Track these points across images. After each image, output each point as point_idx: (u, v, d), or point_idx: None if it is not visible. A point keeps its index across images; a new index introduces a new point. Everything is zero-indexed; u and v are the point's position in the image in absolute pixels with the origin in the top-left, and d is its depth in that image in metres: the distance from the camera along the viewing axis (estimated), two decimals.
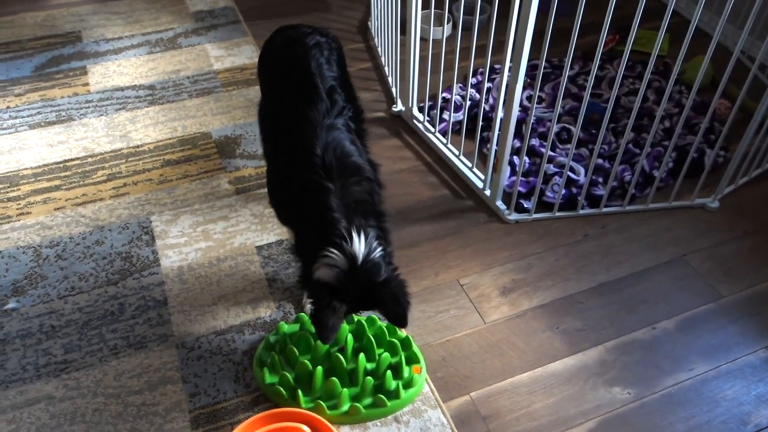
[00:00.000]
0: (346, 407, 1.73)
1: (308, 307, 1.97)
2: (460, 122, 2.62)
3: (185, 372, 1.83)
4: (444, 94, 2.75)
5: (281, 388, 1.74)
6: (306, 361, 1.77)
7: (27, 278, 2.08)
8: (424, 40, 2.55)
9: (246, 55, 3.11)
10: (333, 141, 1.66)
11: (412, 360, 1.85)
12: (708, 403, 1.81)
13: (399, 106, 2.79)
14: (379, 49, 3.09)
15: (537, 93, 2.02)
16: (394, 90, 2.84)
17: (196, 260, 2.14)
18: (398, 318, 1.56)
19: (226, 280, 2.08)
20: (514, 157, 2.47)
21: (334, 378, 1.74)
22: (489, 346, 1.94)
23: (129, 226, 2.25)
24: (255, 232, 2.23)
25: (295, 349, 1.81)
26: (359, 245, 1.53)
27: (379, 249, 1.56)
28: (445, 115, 2.67)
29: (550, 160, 2.48)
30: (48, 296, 2.03)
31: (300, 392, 1.74)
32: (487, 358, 1.92)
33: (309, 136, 1.66)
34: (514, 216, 2.32)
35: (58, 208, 2.32)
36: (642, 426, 1.76)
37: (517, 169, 2.38)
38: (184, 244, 2.19)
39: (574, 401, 1.81)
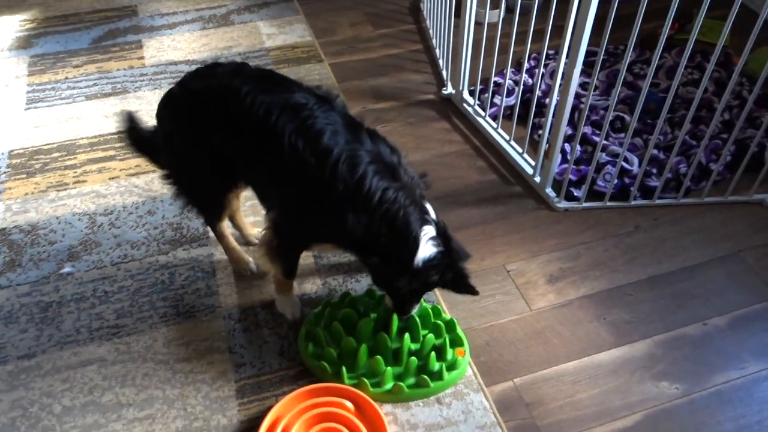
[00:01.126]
0: (389, 385, 1.74)
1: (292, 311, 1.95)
2: (511, 107, 2.59)
3: (232, 343, 1.86)
4: (496, 79, 2.71)
5: (325, 364, 1.76)
6: (351, 339, 1.78)
7: (82, 244, 2.13)
8: (478, 23, 2.51)
9: (297, 33, 3.12)
10: (375, 143, 1.61)
11: (455, 343, 1.85)
12: (759, 404, 1.76)
13: (449, 89, 2.76)
14: (431, 31, 3.06)
15: (594, 80, 1.98)
16: (444, 73, 2.81)
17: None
18: (470, 288, 1.63)
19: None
20: (566, 144, 2.42)
21: (378, 356, 1.74)
22: (534, 334, 1.93)
23: None
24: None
25: (340, 326, 1.82)
26: (433, 212, 1.63)
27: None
28: (497, 100, 2.64)
29: (603, 148, 2.43)
30: (102, 262, 2.08)
31: (344, 368, 1.75)
32: (532, 345, 1.90)
33: (355, 152, 1.56)
34: (563, 204, 2.28)
35: (112, 178, 2.37)
36: (689, 423, 1.72)
37: (569, 156, 2.34)
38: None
39: (620, 393, 1.78)
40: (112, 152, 2.47)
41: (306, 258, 2.10)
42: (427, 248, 1.57)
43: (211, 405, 1.72)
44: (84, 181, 2.36)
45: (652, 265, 2.12)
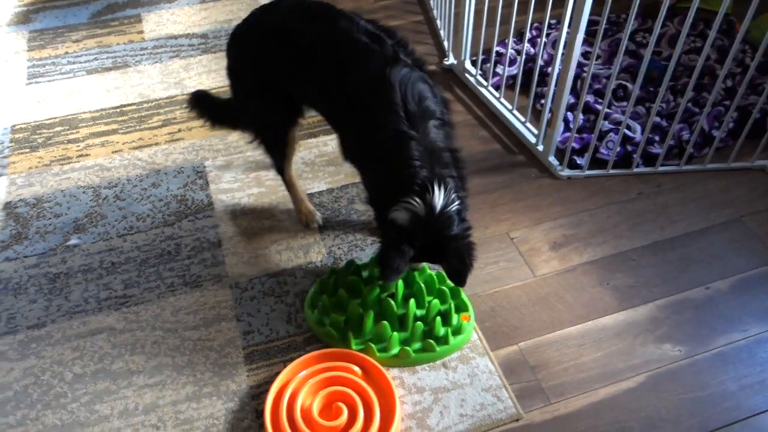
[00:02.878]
0: (395, 350, 1.76)
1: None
2: (513, 77, 2.58)
3: (239, 311, 1.88)
4: (498, 48, 2.70)
5: (332, 330, 1.78)
6: (357, 304, 1.79)
7: (87, 217, 2.14)
8: None
9: None
10: (407, 81, 1.59)
11: (460, 308, 1.86)
12: (762, 364, 1.78)
13: (451, 60, 2.75)
14: (432, 1, 3.04)
15: (596, 49, 1.97)
16: (446, 43, 2.80)
17: (249, 205, 2.18)
18: (459, 276, 1.58)
19: (278, 225, 2.12)
20: (569, 113, 2.42)
21: (384, 321, 1.76)
22: (538, 299, 1.94)
23: (184, 170, 2.30)
24: (306, 180, 2.25)
25: (346, 293, 1.84)
26: (439, 197, 1.51)
27: (457, 203, 1.55)
28: (499, 69, 2.63)
29: (606, 117, 2.43)
30: (108, 234, 2.09)
31: (351, 334, 1.77)
32: (536, 310, 1.92)
33: (382, 82, 1.58)
34: (566, 172, 2.29)
35: (115, 151, 2.37)
36: (692, 383, 1.75)
37: (571, 125, 2.34)
38: (237, 189, 2.23)
39: (624, 356, 1.81)
40: (114, 126, 2.47)
41: (312, 231, 2.11)
42: (400, 213, 1.53)
43: (220, 371, 1.74)
44: (87, 155, 2.36)
45: (655, 231, 2.13)
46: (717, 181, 2.28)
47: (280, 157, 2.00)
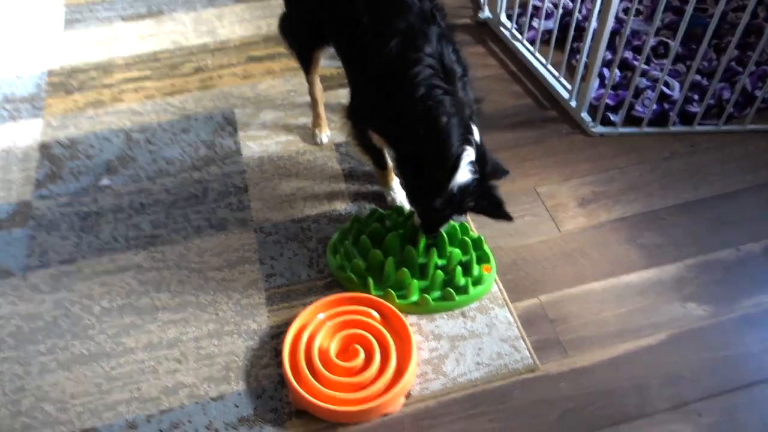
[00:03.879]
0: (415, 297, 1.77)
1: (392, 198, 2.01)
2: (549, 31, 2.52)
3: (262, 254, 1.91)
4: (534, 2, 2.63)
5: (353, 275, 1.79)
6: (378, 251, 1.80)
7: (119, 159, 2.19)
8: None
9: None
10: (440, 46, 1.58)
11: (482, 260, 1.86)
12: None
13: (486, 13, 2.69)
14: None
15: (635, 4, 1.91)
16: None
17: (276, 152, 2.19)
18: (502, 210, 1.61)
19: (304, 173, 2.13)
20: (604, 69, 2.35)
21: (405, 269, 1.77)
22: (562, 254, 1.92)
23: (213, 116, 2.31)
24: (334, 130, 2.24)
25: (368, 240, 1.84)
26: (479, 137, 1.60)
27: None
28: (534, 23, 2.56)
29: (644, 74, 2.35)
30: (138, 176, 2.13)
31: (371, 280, 1.78)
32: (559, 265, 1.90)
33: (417, 42, 1.57)
34: (599, 129, 2.24)
35: (148, 97, 2.40)
36: (715, 343, 1.71)
37: (606, 81, 2.28)
38: (265, 136, 2.24)
39: (646, 313, 1.78)
40: (147, 72, 2.50)
41: (336, 177, 2.11)
42: (464, 173, 1.55)
43: (241, 311, 1.78)
44: (121, 100, 2.39)
45: (688, 190, 2.07)
46: (757, 142, 2.20)
47: (306, 67, 2.11)
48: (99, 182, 2.12)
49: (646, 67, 2.38)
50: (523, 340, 1.71)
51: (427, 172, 1.59)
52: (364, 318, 1.70)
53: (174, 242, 1.94)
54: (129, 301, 1.81)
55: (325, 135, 2.21)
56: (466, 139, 1.56)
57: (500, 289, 1.82)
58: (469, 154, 1.56)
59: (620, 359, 1.69)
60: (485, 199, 1.61)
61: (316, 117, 2.21)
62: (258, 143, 2.22)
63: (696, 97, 2.28)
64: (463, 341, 1.71)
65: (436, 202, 1.59)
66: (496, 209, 1.62)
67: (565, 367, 1.68)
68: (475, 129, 1.60)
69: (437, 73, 1.56)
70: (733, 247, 1.92)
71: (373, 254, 1.80)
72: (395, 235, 1.83)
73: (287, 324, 1.72)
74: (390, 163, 1.92)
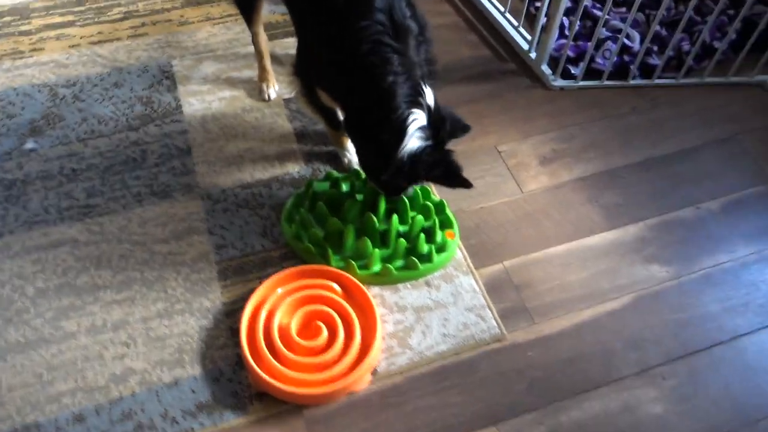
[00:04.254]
0: (377, 268, 1.69)
1: (348, 160, 1.90)
2: None
3: (211, 224, 1.78)
4: None
5: (311, 245, 1.69)
6: (336, 219, 1.70)
7: (44, 118, 1.98)
8: None
9: None
10: None
11: (445, 225, 1.79)
12: (747, 287, 1.76)
13: None
14: None
15: None
16: None
17: (221, 110, 2.03)
18: (463, 182, 1.50)
19: (252, 132, 1.98)
20: (564, 18, 2.26)
21: (365, 237, 1.68)
22: (525, 216, 1.87)
23: (149, 69, 2.11)
24: (282, 84, 2.09)
25: (325, 207, 1.74)
26: (431, 98, 1.48)
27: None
28: None
29: (604, 23, 2.27)
30: (67, 138, 1.93)
31: (330, 250, 1.69)
32: (522, 227, 1.85)
33: None
34: (559, 82, 2.17)
35: (72, 46, 2.17)
36: (676, 304, 1.72)
37: (567, 31, 2.19)
38: (207, 91, 2.07)
39: (609, 276, 1.76)
40: (70, 17, 2.25)
41: (287, 136, 1.98)
42: (413, 140, 1.45)
43: (192, 287, 1.66)
44: (41, 49, 2.15)
45: (648, 147, 2.05)
46: (715, 97, 2.18)
47: (248, 17, 1.96)
48: (23, 145, 1.91)
49: (606, 16, 2.30)
50: (489, 309, 1.67)
51: (374, 137, 1.49)
52: (325, 292, 1.61)
53: (112, 212, 1.78)
54: (66, 279, 1.66)
55: (273, 90, 2.06)
56: (416, 102, 1.45)
57: (464, 256, 1.77)
58: (419, 119, 1.45)
59: (585, 325, 1.68)
60: (440, 167, 1.50)
61: (262, 70, 2.05)
62: (200, 99, 2.05)
63: (655, 48, 2.23)
64: (428, 312, 1.66)
65: (384, 174, 1.50)
66: (452, 178, 1.51)
67: (531, 335, 1.65)
68: (428, 91, 1.48)
69: (386, 29, 1.44)
70: (692, 206, 1.92)
71: (331, 222, 1.70)
72: (353, 201, 1.73)
73: (243, 300, 1.62)
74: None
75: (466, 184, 1.50)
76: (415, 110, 1.44)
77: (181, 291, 1.65)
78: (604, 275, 1.77)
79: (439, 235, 1.74)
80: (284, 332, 1.54)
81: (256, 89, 2.07)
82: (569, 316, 1.69)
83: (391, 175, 1.50)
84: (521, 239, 1.82)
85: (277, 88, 2.06)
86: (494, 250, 1.80)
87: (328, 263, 1.68)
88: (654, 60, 2.19)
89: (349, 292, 1.64)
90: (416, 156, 1.46)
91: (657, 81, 2.18)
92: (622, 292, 1.74)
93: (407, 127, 1.44)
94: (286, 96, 2.06)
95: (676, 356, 1.63)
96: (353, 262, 1.67)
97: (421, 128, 1.45)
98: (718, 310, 1.71)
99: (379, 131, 1.47)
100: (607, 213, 1.89)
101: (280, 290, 1.62)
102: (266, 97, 2.04)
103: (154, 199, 1.81)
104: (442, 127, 1.50)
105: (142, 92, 2.05)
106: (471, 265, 1.75)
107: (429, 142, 1.47)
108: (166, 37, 2.20)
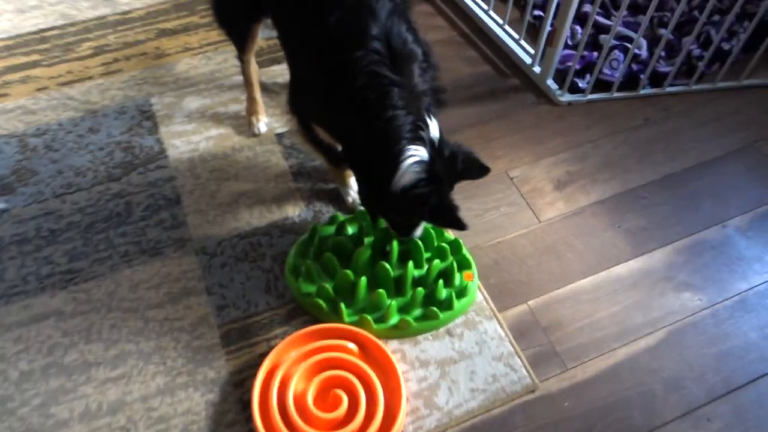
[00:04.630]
0: (394, 320, 1.55)
1: (352, 199, 1.76)
2: None
3: (209, 282, 1.63)
4: None
5: (320, 301, 1.55)
6: (347, 271, 1.56)
7: (15, 173, 1.80)
8: None
9: None
10: (391, 24, 1.31)
11: (462, 265, 1.65)
12: None
13: None
14: None
15: None
16: None
17: (209, 150, 1.87)
18: (456, 222, 1.36)
19: (244, 174, 1.83)
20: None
21: (380, 290, 1.54)
22: (545, 248, 1.75)
23: (126, 110, 1.95)
24: (274, 117, 1.94)
25: (334, 257, 1.60)
26: (435, 130, 1.35)
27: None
28: None
29: (606, 30, 2.15)
30: (42, 194, 1.76)
31: (342, 305, 1.55)
32: (544, 261, 1.72)
33: (361, 20, 1.31)
34: (566, 97, 2.04)
35: (40, 89, 1.99)
36: (713, 335, 1.61)
37: (569, 41, 2.07)
38: (193, 131, 1.91)
39: (641, 309, 1.65)
40: (35, 56, 2.07)
41: (283, 175, 1.83)
42: (407, 174, 1.31)
43: (194, 356, 1.51)
44: (6, 95, 1.97)
45: (665, 162, 1.93)
46: (728, 102, 2.08)
47: (241, 45, 1.78)
48: None
49: (608, 22, 2.18)
50: (518, 357, 1.55)
51: (370, 172, 1.38)
52: (341, 354, 1.47)
53: (99, 276, 1.62)
54: (53, 358, 1.50)
55: (263, 123, 1.91)
56: (417, 137, 1.31)
57: (485, 298, 1.64)
58: (418, 154, 1.31)
59: (621, 366, 1.56)
60: (430, 204, 1.35)
61: (251, 102, 1.90)
62: (185, 141, 1.89)
63: (663, 54, 2.11)
64: (453, 365, 1.53)
65: (381, 204, 1.40)
66: (443, 216, 1.38)
67: (565, 383, 1.53)
68: (432, 124, 1.35)
69: (383, 58, 1.30)
70: (718, 224, 1.81)
71: (341, 274, 1.57)
72: (363, 248, 1.59)
73: (251, 367, 1.48)
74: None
75: (459, 226, 1.36)
76: (413, 146, 1.31)
77: (182, 362, 1.50)
78: (635, 309, 1.65)
79: (457, 278, 1.61)
80: (300, 403, 1.40)
81: (245, 124, 1.92)
82: (603, 358, 1.57)
83: (386, 210, 1.41)
84: (544, 274, 1.70)
85: (266, 120, 1.91)
86: (517, 289, 1.67)
87: (340, 319, 1.54)
88: (663, 67, 2.08)
89: (366, 350, 1.51)
90: (409, 190, 1.32)
91: (668, 89, 2.06)
92: (655, 326, 1.63)
93: (402, 161, 1.30)
94: (279, 130, 1.91)
95: (719, 394, 1.53)
96: (368, 317, 1.54)
97: (419, 162, 1.32)
98: (758, 338, 1.61)
99: (375, 166, 1.35)
100: (631, 238, 1.77)
101: (293, 353, 1.47)
102: (256, 130, 1.89)
103: (143, 258, 1.65)
104: (451, 162, 1.36)
105: (121, 137, 1.88)
106: (494, 308, 1.62)
107: (424, 176, 1.33)
108: (143, 72, 2.03)
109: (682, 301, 1.67)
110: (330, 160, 1.68)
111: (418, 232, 1.57)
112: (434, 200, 1.35)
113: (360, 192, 1.57)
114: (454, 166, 1.37)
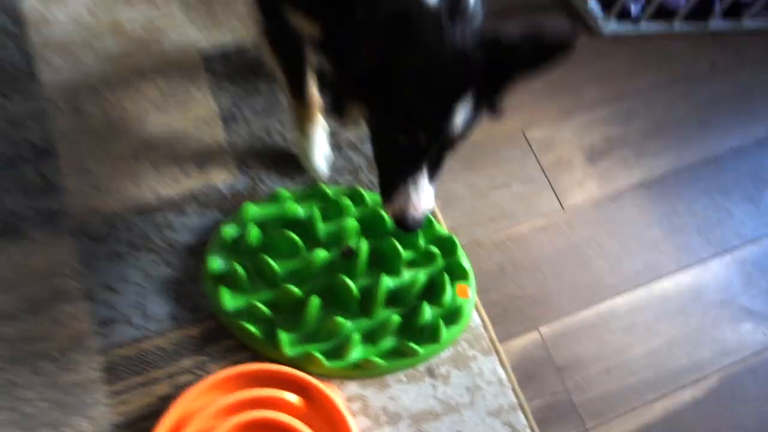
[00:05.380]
0: (355, 356, 1.09)
1: (316, 166, 1.21)
2: None
3: (89, 282, 1.12)
4: None
5: (250, 325, 1.08)
6: (291, 286, 1.07)
7: None
8: None
9: None
10: None
11: (456, 274, 1.18)
12: None
13: None
14: None
15: None
16: None
17: (101, 76, 1.28)
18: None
19: (153, 116, 1.26)
20: None
21: (339, 318, 1.07)
22: (568, 249, 1.28)
23: None
24: (198, 28, 1.35)
25: (274, 265, 1.09)
26: None
27: None
28: None
29: None
30: None
31: (280, 331, 1.07)
32: (566, 268, 1.27)
33: None
34: (612, 26, 1.49)
35: None
36: None
37: None
38: (81, 43, 1.31)
39: (687, 345, 1.24)
40: None
41: (210, 119, 1.27)
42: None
43: (62, 399, 1.04)
44: None
45: (737, 128, 1.45)
46: None
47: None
48: None
49: None
50: (523, 412, 1.12)
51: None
52: (276, 415, 1.01)
53: None
54: None
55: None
56: None
57: (483, 321, 1.18)
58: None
59: (657, 428, 1.16)
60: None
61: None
62: (66, 56, 1.29)
63: None
64: (434, 421, 1.10)
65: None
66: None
67: None
68: None
69: None
70: None
71: (283, 289, 1.08)
72: (320, 249, 1.10)
73: (147, 418, 1.02)
74: (314, 93, 1.12)
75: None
76: None
77: (44, 406, 1.03)
78: (679, 345, 1.23)
79: (448, 293, 1.14)
80: None
81: (153, 37, 1.32)
82: (634, 415, 1.17)
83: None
84: (564, 288, 1.25)
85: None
86: (527, 309, 1.22)
87: (278, 352, 1.07)
88: None
89: (313, 401, 1.05)
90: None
91: (747, 24, 1.52)
92: (704, 370, 1.22)
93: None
94: (206, 47, 1.33)
95: None
96: (317, 354, 1.07)
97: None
98: None
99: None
100: (682, 242, 1.32)
101: (207, 411, 1.01)
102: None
103: None
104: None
105: None
106: (494, 337, 1.17)
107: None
108: None
109: (741, 335, 1.25)
110: (292, 78, 1.11)
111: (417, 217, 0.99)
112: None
113: (340, 74, 0.94)
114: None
